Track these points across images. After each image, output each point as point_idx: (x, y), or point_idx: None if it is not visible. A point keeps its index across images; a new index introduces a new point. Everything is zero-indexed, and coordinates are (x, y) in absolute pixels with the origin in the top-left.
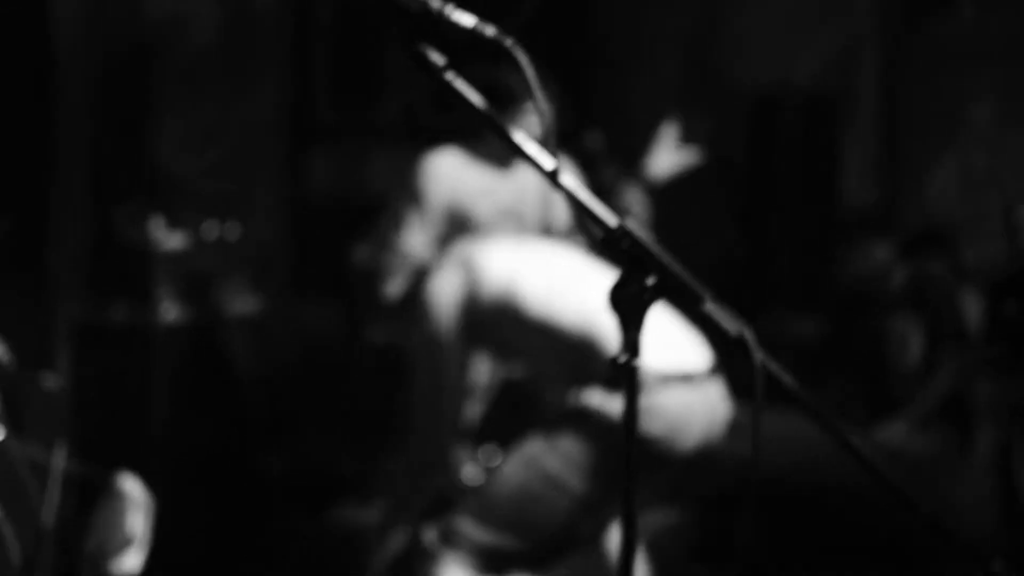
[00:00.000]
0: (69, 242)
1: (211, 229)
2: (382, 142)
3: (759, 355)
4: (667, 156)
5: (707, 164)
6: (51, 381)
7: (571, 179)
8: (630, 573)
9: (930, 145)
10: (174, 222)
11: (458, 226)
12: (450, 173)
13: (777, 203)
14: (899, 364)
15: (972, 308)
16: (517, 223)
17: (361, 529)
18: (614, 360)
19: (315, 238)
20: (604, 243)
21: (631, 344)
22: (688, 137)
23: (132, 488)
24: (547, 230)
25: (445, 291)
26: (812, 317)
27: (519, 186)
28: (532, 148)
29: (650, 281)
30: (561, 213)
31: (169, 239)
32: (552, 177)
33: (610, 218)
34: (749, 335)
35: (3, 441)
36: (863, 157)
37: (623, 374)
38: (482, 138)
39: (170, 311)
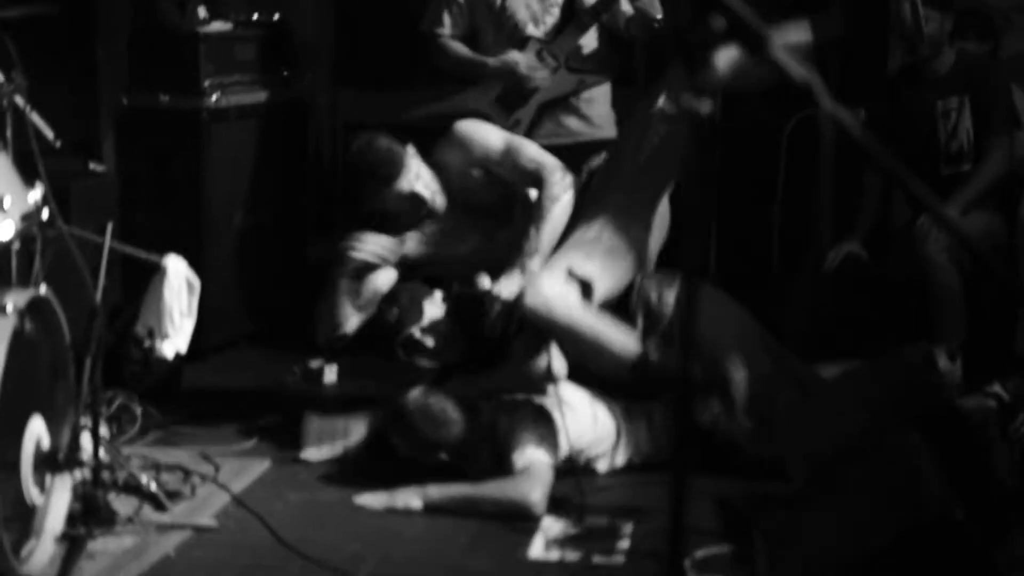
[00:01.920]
0: (114, 29)
1: (253, 17)
2: None
3: (827, 101)
4: None
5: None
6: (99, 166)
7: None
8: None
9: None
10: (215, 12)
11: None
12: None
13: None
14: (948, 147)
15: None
16: None
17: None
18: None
19: (357, 28)
20: None
21: (699, 88)
22: None
23: (180, 269)
24: None
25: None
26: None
27: None
28: None
29: (718, 23)
30: None
31: (212, 25)
32: None
33: None
34: (817, 81)
35: (53, 223)
36: None
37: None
38: None
39: (215, 95)
